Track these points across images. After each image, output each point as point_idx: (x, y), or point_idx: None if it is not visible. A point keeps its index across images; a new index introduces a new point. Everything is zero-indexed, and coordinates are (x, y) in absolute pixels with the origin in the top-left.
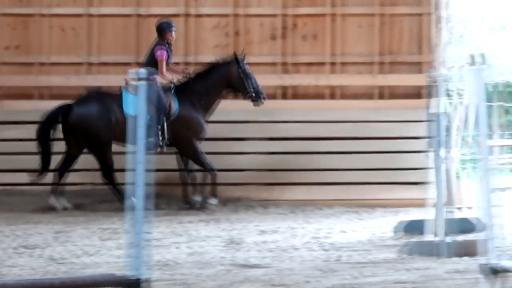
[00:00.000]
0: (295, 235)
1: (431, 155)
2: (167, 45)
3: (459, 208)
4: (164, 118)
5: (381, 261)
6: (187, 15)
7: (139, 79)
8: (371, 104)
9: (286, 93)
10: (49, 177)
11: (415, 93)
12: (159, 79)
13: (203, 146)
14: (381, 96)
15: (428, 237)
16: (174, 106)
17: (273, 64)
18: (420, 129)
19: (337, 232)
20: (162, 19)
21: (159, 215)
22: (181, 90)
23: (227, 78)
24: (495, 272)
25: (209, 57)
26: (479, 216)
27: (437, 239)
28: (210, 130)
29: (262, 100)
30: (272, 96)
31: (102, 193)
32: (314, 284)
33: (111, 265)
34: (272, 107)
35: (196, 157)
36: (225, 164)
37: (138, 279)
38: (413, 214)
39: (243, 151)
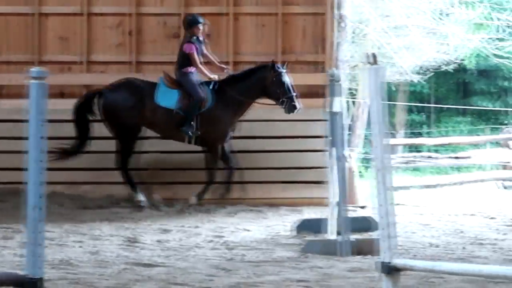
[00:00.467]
0: (191, 234)
1: (328, 154)
2: (195, 39)
3: (355, 207)
4: (198, 110)
5: (277, 260)
6: (82, 14)
7: (32, 77)
8: (269, 103)
9: None
10: None
11: (311, 92)
12: (194, 70)
13: (103, 145)
14: None
15: (324, 236)
16: (208, 101)
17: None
18: (318, 128)
19: (232, 231)
20: (189, 14)
21: (55, 214)
22: (217, 89)
23: (261, 83)
24: (390, 270)
25: (105, 56)
26: (374, 214)
27: (332, 237)
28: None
29: (294, 109)
30: None
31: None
32: (208, 283)
33: (3, 264)
34: None
35: (215, 160)
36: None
37: (32, 278)
38: (311, 213)
39: (144, 150)
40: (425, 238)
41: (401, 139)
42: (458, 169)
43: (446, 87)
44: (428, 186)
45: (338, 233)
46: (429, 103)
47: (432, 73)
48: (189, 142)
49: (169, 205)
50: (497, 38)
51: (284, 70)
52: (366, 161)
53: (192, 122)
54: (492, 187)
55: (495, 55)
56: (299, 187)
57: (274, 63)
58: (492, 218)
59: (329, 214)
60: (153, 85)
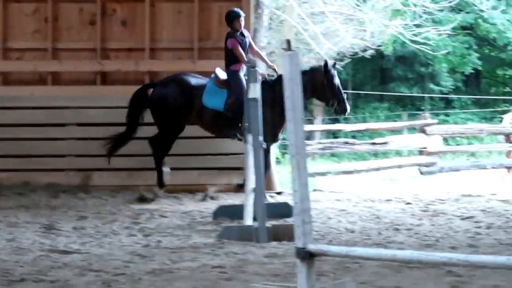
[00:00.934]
0: (107, 220)
1: (246, 140)
2: (237, 34)
3: (272, 193)
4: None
5: (193, 246)
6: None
7: None
8: None
9: (105, 79)
10: None
11: None
12: (242, 67)
13: (20, 132)
14: None
15: (241, 222)
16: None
17: (93, 49)
18: None
19: (148, 217)
20: (230, 10)
21: None
22: (264, 89)
23: (311, 85)
24: (305, 255)
25: (21, 43)
26: (291, 200)
27: (249, 223)
28: (29, 116)
29: (345, 111)
30: (93, 82)
31: None
32: (124, 270)
33: None
34: (93, 93)
35: (267, 157)
36: (44, 150)
37: None
38: (228, 199)
39: (62, 136)
40: (341, 223)
41: (318, 125)
42: (376, 155)
43: (364, 73)
44: (345, 172)
45: (255, 219)
46: (347, 89)
47: (350, 59)
48: (240, 140)
49: (85, 191)
50: (414, 25)
51: (336, 72)
52: (284, 147)
53: (240, 124)
54: (412, 172)
55: (412, 41)
56: (216, 173)
57: (326, 64)
58: (408, 203)
59: (245, 200)
60: (203, 83)
